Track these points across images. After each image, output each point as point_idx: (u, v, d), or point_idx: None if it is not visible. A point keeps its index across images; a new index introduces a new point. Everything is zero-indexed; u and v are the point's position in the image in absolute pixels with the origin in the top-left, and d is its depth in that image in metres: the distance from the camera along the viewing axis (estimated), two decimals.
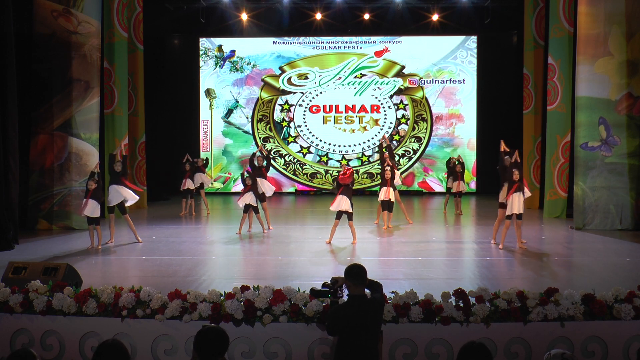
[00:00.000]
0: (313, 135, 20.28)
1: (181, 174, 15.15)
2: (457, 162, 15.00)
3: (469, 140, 19.95)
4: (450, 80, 19.95)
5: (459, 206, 14.93)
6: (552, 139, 14.54)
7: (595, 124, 12.61)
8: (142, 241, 11.05)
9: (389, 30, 19.74)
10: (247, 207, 12.06)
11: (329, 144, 20.27)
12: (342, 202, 10.86)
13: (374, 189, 20.01)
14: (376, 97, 20.10)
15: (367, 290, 4.75)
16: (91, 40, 13.06)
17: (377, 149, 19.58)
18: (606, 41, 12.45)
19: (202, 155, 19.95)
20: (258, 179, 12.41)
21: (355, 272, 4.52)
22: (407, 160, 20.04)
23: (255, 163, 12.95)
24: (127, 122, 15.10)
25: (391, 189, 12.46)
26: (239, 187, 19.50)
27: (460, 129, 20.01)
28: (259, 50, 20.20)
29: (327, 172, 20.21)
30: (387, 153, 13.04)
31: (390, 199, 12.39)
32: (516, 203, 10.19)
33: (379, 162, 18.80)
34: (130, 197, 11.04)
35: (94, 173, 10.88)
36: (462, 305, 5.61)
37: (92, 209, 10.48)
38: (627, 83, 12.42)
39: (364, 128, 20.18)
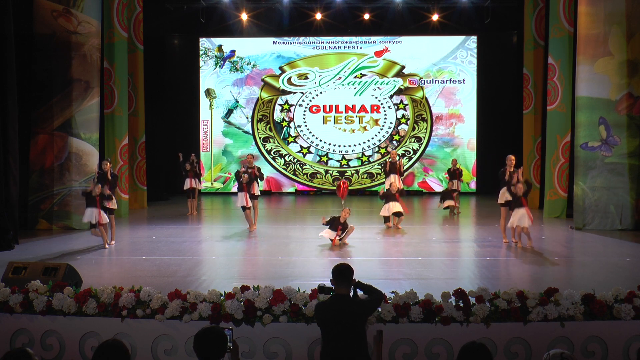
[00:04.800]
0: (313, 135, 20.28)
1: (182, 174, 15.15)
2: (457, 166, 15.34)
3: (469, 140, 19.96)
4: (450, 80, 19.96)
5: (457, 203, 14.98)
6: (552, 139, 14.53)
7: (595, 124, 12.60)
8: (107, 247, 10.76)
9: (389, 30, 19.74)
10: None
11: (329, 144, 20.27)
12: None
13: (374, 189, 20.03)
14: (376, 97, 20.10)
15: (360, 292, 4.77)
16: (91, 40, 13.06)
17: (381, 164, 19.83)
18: (606, 41, 12.44)
19: (202, 155, 19.98)
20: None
21: (338, 272, 4.56)
22: (407, 160, 20.04)
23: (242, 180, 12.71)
24: (127, 122, 15.10)
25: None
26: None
27: (460, 129, 20.01)
28: (259, 50, 20.20)
29: (327, 172, 20.22)
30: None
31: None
32: (517, 216, 10.39)
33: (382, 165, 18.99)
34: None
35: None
36: (462, 305, 5.61)
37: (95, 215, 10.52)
38: (627, 83, 12.41)
39: (364, 128, 20.18)
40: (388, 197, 12.56)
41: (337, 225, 10.79)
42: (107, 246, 10.64)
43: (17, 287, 6.08)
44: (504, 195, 10.94)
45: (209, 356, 3.67)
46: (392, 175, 13.26)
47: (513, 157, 11.08)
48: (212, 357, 3.68)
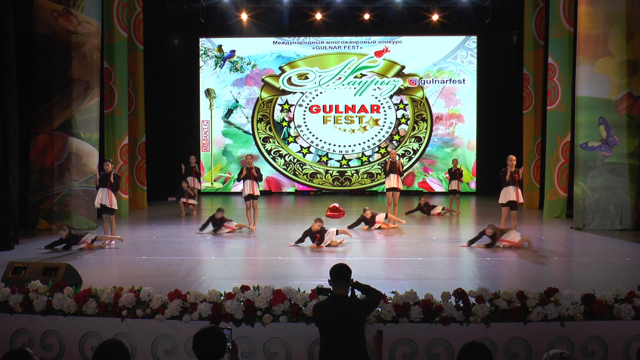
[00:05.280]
0: (313, 135, 20.28)
1: (182, 176, 15.28)
2: (457, 166, 15.54)
3: (469, 140, 19.96)
4: (450, 80, 19.96)
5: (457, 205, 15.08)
6: (552, 139, 14.54)
7: (595, 124, 12.60)
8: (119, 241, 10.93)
9: (389, 30, 19.74)
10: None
11: (329, 144, 20.27)
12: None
13: (374, 189, 20.04)
14: (376, 97, 20.11)
15: (358, 292, 4.76)
16: (91, 40, 13.05)
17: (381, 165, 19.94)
18: (606, 41, 12.44)
19: (202, 155, 19.98)
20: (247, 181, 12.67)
21: (335, 272, 4.54)
22: (407, 160, 20.04)
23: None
24: (127, 122, 15.09)
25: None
26: (239, 187, 19.53)
27: (460, 129, 20.01)
28: (259, 50, 20.20)
29: (327, 172, 20.22)
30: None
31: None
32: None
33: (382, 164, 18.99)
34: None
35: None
36: (462, 305, 5.61)
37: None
38: (627, 83, 12.41)
39: (364, 128, 20.19)
40: (367, 221, 12.59)
41: (314, 235, 10.63)
42: (107, 246, 10.66)
43: (17, 287, 6.08)
44: (504, 195, 10.98)
45: (208, 356, 3.67)
46: (391, 175, 13.25)
47: (514, 157, 11.10)
48: (211, 357, 3.67)
